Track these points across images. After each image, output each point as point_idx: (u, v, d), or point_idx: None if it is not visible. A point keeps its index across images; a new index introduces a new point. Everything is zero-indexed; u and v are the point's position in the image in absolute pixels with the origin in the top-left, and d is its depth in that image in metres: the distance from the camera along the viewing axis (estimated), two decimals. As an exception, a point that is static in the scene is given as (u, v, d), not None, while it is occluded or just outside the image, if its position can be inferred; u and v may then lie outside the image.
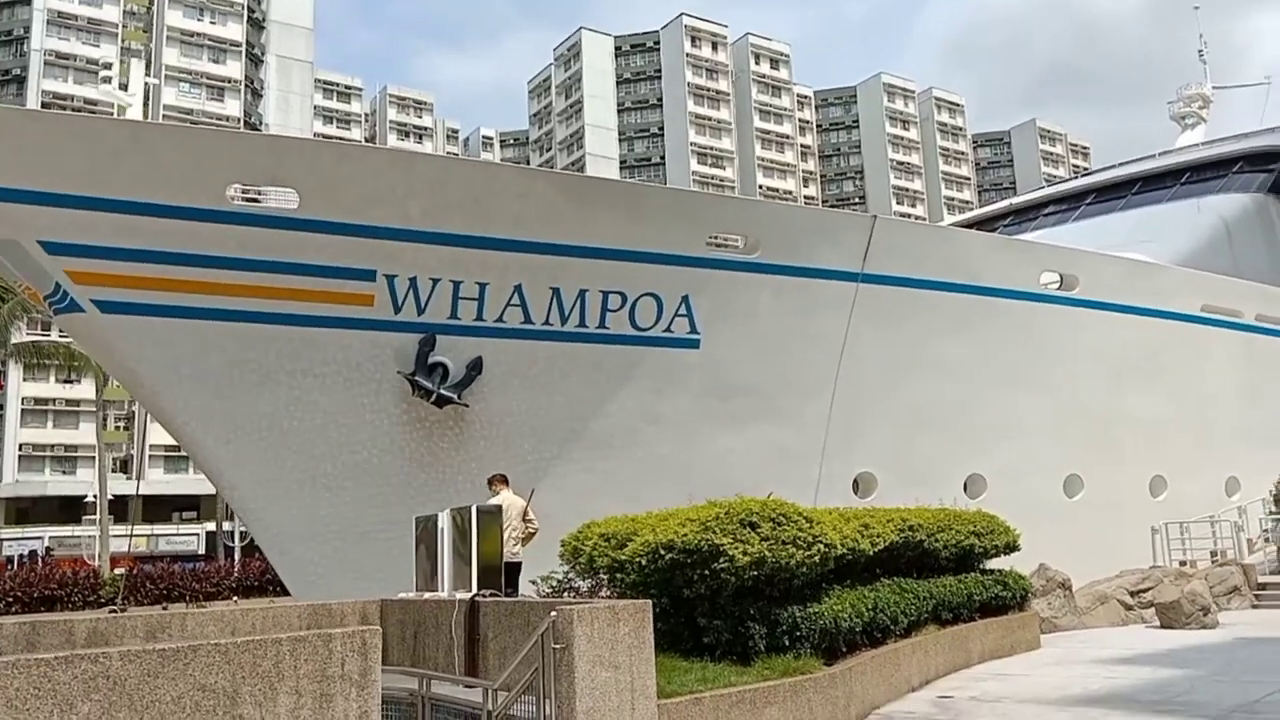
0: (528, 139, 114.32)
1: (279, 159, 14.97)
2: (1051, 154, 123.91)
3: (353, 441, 15.31)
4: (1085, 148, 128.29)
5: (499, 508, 9.38)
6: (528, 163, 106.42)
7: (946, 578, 11.45)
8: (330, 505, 15.18)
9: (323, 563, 14.99)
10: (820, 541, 8.30)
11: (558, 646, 6.13)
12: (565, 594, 9.77)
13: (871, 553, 9.84)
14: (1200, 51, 48.74)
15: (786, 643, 7.97)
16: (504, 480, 11.64)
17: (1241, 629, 14.25)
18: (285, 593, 16.87)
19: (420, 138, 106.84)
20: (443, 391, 15.16)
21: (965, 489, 19.79)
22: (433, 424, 15.54)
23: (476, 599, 8.00)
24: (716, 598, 7.91)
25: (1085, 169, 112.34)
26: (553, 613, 6.29)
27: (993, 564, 13.03)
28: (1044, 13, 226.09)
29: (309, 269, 14.72)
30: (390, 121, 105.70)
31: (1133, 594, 16.50)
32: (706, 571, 7.74)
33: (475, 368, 15.63)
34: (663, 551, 7.85)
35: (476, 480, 15.08)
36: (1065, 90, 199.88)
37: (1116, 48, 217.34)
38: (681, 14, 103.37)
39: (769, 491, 9.28)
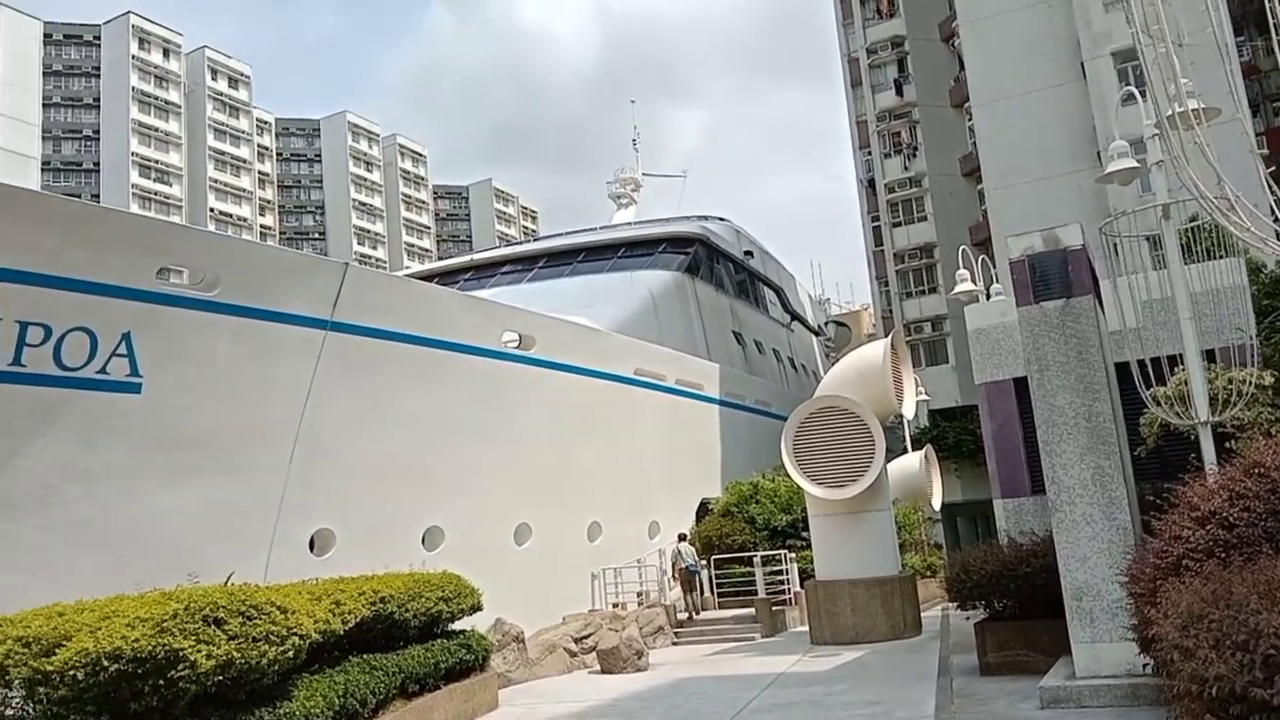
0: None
1: None
2: (505, 214, 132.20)
3: None
4: (535, 211, 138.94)
5: None
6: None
7: (414, 648, 11.15)
8: None
9: None
10: (295, 634, 7.49)
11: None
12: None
13: (343, 631, 9.23)
14: (634, 141, 55.51)
15: (252, 751, 7.06)
16: None
17: (669, 669, 15.84)
18: None
19: None
20: None
21: (423, 541, 19.81)
22: None
23: None
24: (170, 710, 6.72)
25: (535, 231, 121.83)
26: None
27: (456, 624, 13.02)
28: (497, 72, 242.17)
29: None
30: None
31: (576, 640, 17.59)
32: (162, 681, 6.54)
33: None
34: (106, 662, 6.49)
35: None
36: (515, 150, 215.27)
37: (561, 117, 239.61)
38: (129, 11, 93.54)
39: (229, 563, 8.26)
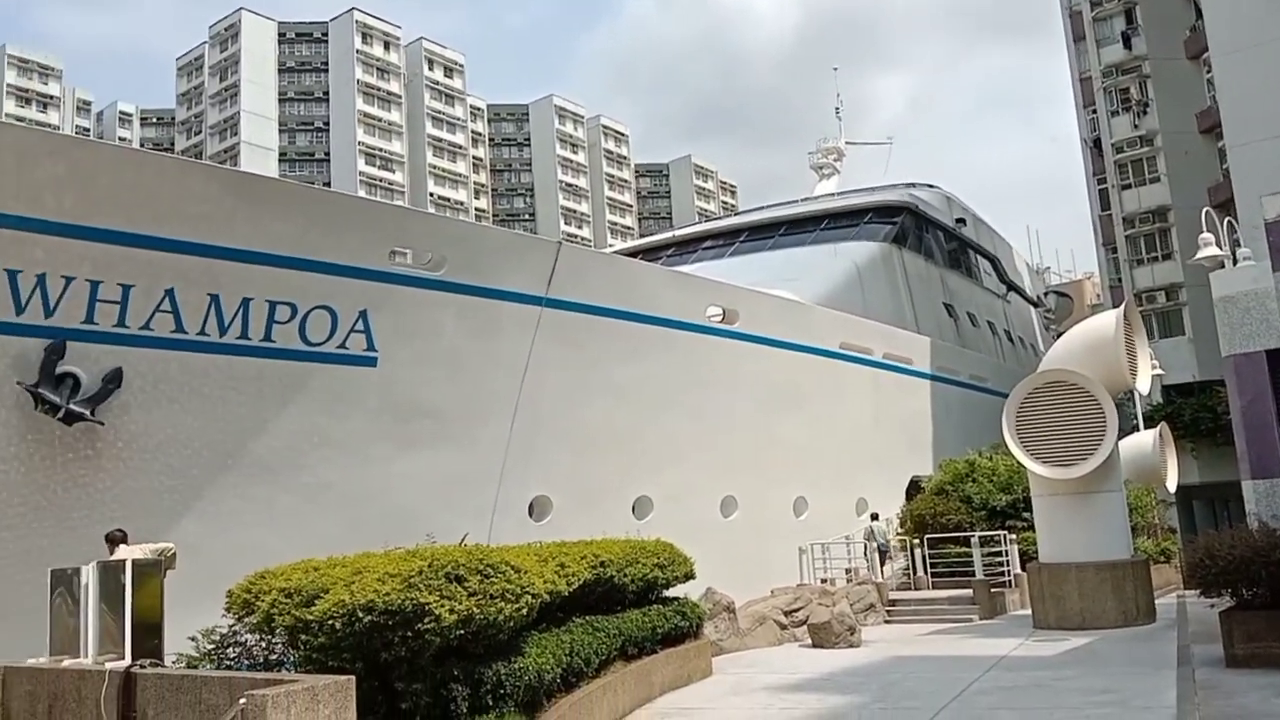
0: (174, 119, 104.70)
1: None
2: (704, 189, 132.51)
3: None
4: (734, 186, 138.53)
5: (159, 559, 8.08)
6: (172, 145, 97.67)
7: (632, 611, 11.47)
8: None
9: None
10: (528, 592, 7.89)
11: (244, 734, 5.24)
12: (230, 650, 8.61)
13: (568, 593, 9.62)
14: (837, 110, 54.19)
15: (490, 701, 7.48)
16: (123, 537, 10.44)
17: (882, 646, 15.61)
18: None
19: (45, 107, 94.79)
20: (72, 407, 13.11)
21: (633, 510, 20.28)
22: (61, 443, 13.41)
23: (133, 670, 6.77)
24: (417, 659, 7.22)
25: (733, 206, 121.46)
26: (241, 699, 5.37)
27: (669, 592, 13.28)
28: (695, 47, 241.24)
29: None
30: (9, 86, 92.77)
31: (786, 614, 17.59)
32: (409, 633, 7.04)
33: (113, 380, 13.67)
34: (361, 614, 7.03)
35: (111, 510, 13.26)
36: (713, 126, 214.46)
37: (759, 89, 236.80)
38: (353, 8, 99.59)
39: (457, 526, 8.74)
